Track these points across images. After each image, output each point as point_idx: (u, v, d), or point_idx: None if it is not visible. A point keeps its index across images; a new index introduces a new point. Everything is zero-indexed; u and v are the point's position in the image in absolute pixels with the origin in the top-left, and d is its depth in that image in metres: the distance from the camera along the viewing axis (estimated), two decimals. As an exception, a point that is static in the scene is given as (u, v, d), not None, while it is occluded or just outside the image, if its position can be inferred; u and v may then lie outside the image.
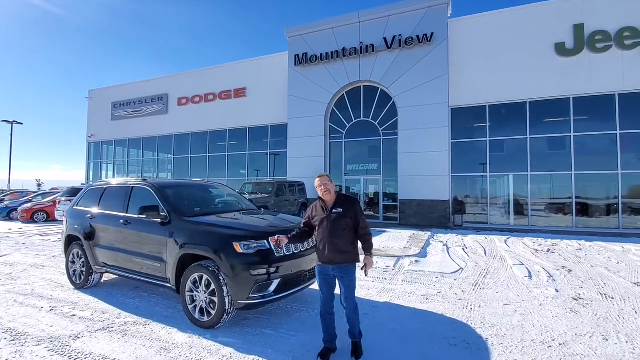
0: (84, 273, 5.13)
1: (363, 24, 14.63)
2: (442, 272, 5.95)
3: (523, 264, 6.54)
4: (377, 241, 8.99)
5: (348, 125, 15.35)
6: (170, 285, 4.07)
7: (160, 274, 4.16)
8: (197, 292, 3.78)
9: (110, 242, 4.79)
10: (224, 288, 3.58)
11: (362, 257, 3.11)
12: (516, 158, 12.91)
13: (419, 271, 6.03)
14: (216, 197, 5.26)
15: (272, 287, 3.66)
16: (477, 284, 5.30)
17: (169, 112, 20.04)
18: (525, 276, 5.71)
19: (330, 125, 15.64)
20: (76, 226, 5.28)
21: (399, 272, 5.98)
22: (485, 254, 7.53)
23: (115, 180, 5.34)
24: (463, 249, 7.95)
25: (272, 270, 3.66)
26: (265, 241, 3.74)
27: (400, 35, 13.88)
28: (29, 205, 15.80)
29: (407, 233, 10.61)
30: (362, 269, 3.07)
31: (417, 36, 13.58)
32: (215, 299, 3.63)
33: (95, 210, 5.13)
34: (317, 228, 3.14)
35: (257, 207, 5.48)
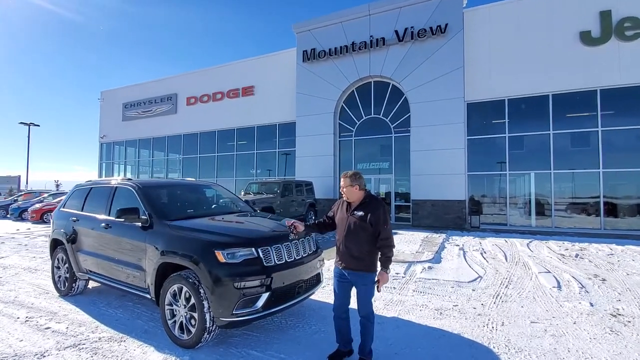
0: (67, 280, 4.78)
1: (373, 16, 14.04)
2: (459, 281, 5.36)
3: (550, 272, 5.88)
4: (387, 244, 8.43)
5: (358, 123, 14.79)
6: (150, 297, 3.65)
7: (140, 283, 3.75)
8: (177, 306, 3.34)
9: (92, 247, 4.43)
10: (205, 303, 3.13)
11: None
12: (538, 155, 12.09)
13: (433, 279, 5.46)
14: (208, 198, 4.84)
15: (260, 302, 3.19)
16: (498, 295, 4.70)
17: (178, 112, 19.90)
18: (554, 286, 5.07)
19: (339, 123, 15.11)
20: (61, 229, 4.96)
21: (410, 281, 5.42)
22: (506, 259, 6.88)
23: (101, 180, 4.98)
24: (481, 254, 7.31)
25: (260, 282, 3.18)
26: (253, 249, 3.27)
27: (412, 27, 13.22)
28: (39, 205, 15.87)
29: (420, 235, 10.00)
30: (374, 283, 2.78)
31: (430, 28, 12.90)
32: (196, 315, 3.18)
33: (79, 212, 4.79)
34: (337, 226, 2.98)
35: (253, 209, 5.03)
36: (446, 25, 12.69)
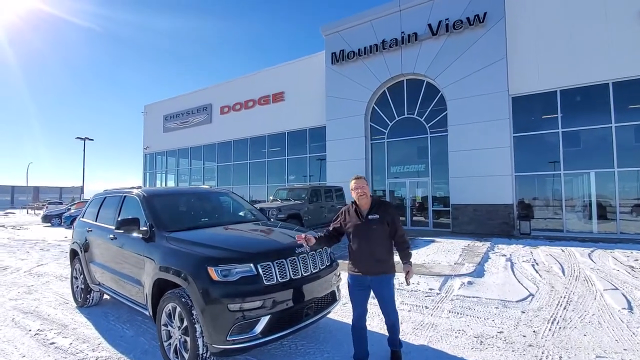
0: (83, 291, 4.71)
1: (404, 12, 13.34)
2: (505, 300, 4.57)
3: (618, 289, 4.89)
4: (422, 254, 7.69)
5: (390, 124, 14.07)
6: (148, 314, 3.38)
7: (140, 299, 3.50)
8: (172, 327, 3.02)
9: (102, 259, 4.29)
10: (197, 326, 2.76)
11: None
12: (598, 152, 10.62)
13: (473, 297, 4.72)
14: (217, 207, 4.54)
15: (259, 327, 2.76)
16: (554, 319, 3.88)
17: (213, 121, 20.40)
18: (624, 308, 4.15)
19: (371, 125, 14.49)
20: (77, 239, 4.92)
21: (446, 299, 4.72)
22: (563, 272, 5.89)
23: (114, 189, 4.88)
24: (533, 266, 6.35)
25: (259, 304, 2.76)
26: (252, 265, 2.86)
27: (447, 19, 12.34)
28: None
29: (460, 244, 9.09)
30: (405, 278, 2.88)
31: (467, 18, 11.94)
32: (189, 339, 2.83)
33: (92, 222, 4.71)
34: (350, 235, 2.92)
35: (267, 218, 4.66)
36: (485, 14, 11.67)
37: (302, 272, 3.13)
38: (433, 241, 9.63)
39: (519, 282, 5.37)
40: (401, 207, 13.93)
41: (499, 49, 11.46)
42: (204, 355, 2.76)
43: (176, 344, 2.96)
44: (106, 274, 4.14)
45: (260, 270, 2.86)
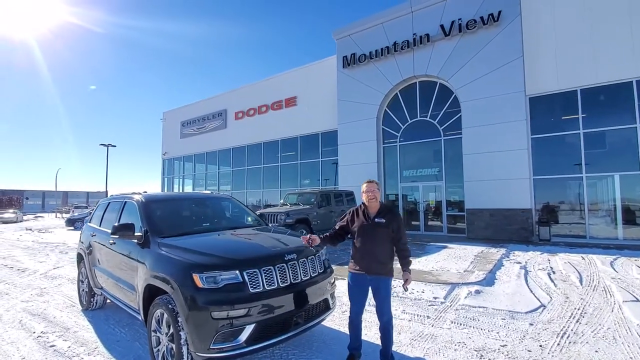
0: (87, 294, 4.81)
1: (416, 13, 13.16)
2: (513, 310, 4.33)
3: (638, 300, 4.55)
4: (432, 261, 7.46)
5: (403, 127, 13.85)
6: (141, 319, 3.39)
7: (134, 304, 3.51)
8: (160, 333, 3.01)
9: (102, 263, 4.37)
10: (181, 334, 2.74)
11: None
12: (622, 153, 10.08)
13: (479, 307, 4.50)
14: (215, 213, 4.52)
15: (244, 336, 2.70)
16: (565, 333, 3.64)
17: (228, 127, 20.72)
18: (647, 322, 3.84)
19: (383, 129, 14.32)
20: (83, 243, 5.03)
21: (450, 308, 4.53)
22: (580, 282, 5.55)
23: (118, 194, 4.97)
24: (548, 275, 6.03)
25: (243, 312, 2.70)
26: (238, 271, 2.82)
27: (459, 19, 12.08)
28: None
29: (474, 250, 8.77)
30: (403, 285, 3.02)
31: (481, 17, 11.64)
32: (174, 347, 2.81)
33: (97, 226, 4.81)
34: (355, 234, 3.05)
35: (265, 223, 4.62)
36: (499, 12, 11.35)
37: (291, 279, 3.06)
38: (445, 247, 9.35)
39: (531, 291, 5.10)
40: (414, 211, 13.65)
41: (515, 48, 11.09)
42: (190, 362, 2.73)
43: (164, 351, 2.95)
44: (106, 278, 4.20)
45: (246, 277, 2.81)
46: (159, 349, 3.03)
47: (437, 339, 3.59)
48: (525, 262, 7.10)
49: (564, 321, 3.95)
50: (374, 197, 3.04)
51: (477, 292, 5.07)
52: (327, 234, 3.23)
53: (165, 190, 24.63)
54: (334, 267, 3.79)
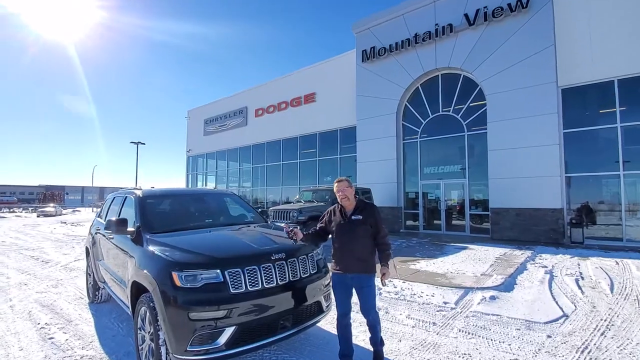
0: (92, 287, 4.88)
1: (438, 2, 12.56)
2: (531, 320, 3.94)
3: (685, 314, 4.01)
4: (448, 262, 7.06)
5: (424, 122, 13.32)
6: (130, 315, 3.35)
7: (126, 300, 3.48)
8: (145, 332, 2.93)
9: (103, 257, 4.40)
10: (160, 334, 2.64)
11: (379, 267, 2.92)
12: (670, 149, 9.12)
13: (492, 315, 4.14)
14: (212, 209, 4.43)
15: (223, 339, 2.56)
16: (586, 347, 3.24)
17: (248, 124, 20.89)
18: (689, 339, 3.35)
19: (403, 124, 13.84)
20: (90, 237, 5.12)
21: (460, 315, 4.20)
22: (611, 289, 5.02)
23: (122, 190, 5.00)
24: (576, 280, 5.50)
25: (222, 313, 2.57)
26: (219, 270, 2.68)
27: (485, 7, 11.40)
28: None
29: (496, 252, 8.25)
30: (380, 279, 2.91)
31: (509, 4, 10.91)
32: (154, 347, 2.72)
33: (102, 221, 4.85)
34: (333, 234, 3.03)
35: (265, 220, 4.48)
36: (529, -2, 10.59)
37: (278, 280, 2.89)
38: (465, 248, 8.86)
39: (554, 299, 4.65)
40: (435, 210, 13.13)
41: (546, 36, 10.32)
42: (169, 364, 2.62)
43: (147, 350, 2.88)
44: (106, 272, 4.23)
45: (227, 277, 2.67)
46: (142, 347, 2.96)
47: (440, 349, 3.30)
48: (552, 266, 6.55)
49: (587, 334, 3.53)
50: (345, 197, 2.99)
51: (493, 298, 4.69)
52: (310, 231, 3.21)
53: (190, 187, 25.26)
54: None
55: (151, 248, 3.09)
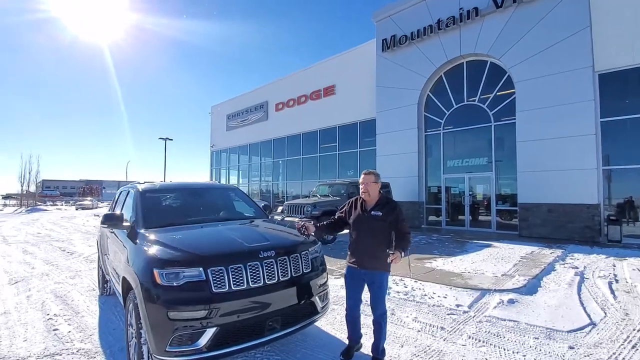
0: (102, 280, 4.97)
1: (463, -15, 11.84)
2: (552, 328, 3.56)
3: None
4: (467, 261, 6.66)
5: (447, 113, 12.70)
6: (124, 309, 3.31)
7: (119, 294, 3.46)
8: (132, 328, 2.88)
9: (107, 251, 4.43)
10: (142, 332, 2.57)
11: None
12: None
13: (509, 321, 3.78)
14: (211, 204, 4.32)
15: (203, 340, 2.44)
16: (617, 363, 2.85)
17: (269, 118, 20.93)
18: None
19: (425, 115, 13.28)
20: (100, 231, 5.20)
21: (472, 319, 3.87)
22: (653, 296, 4.48)
23: (129, 184, 5.03)
24: (609, 284, 4.98)
25: (203, 313, 2.44)
26: (201, 268, 2.56)
27: (514, -13, 10.60)
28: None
29: (523, 250, 7.71)
30: (387, 282, 2.92)
31: (541, -17, 10.08)
32: (137, 344, 2.65)
33: (109, 215, 4.91)
34: (351, 227, 2.97)
35: (266, 215, 4.34)
36: (563, -25, 9.71)
37: (266, 279, 2.73)
38: (488, 246, 8.36)
39: (582, 304, 4.20)
40: (459, 205, 12.54)
41: (581, 17, 9.44)
42: (149, 362, 2.54)
43: (134, 346, 2.82)
44: (109, 266, 4.26)
45: (210, 276, 2.54)
46: (130, 345, 2.91)
47: (444, 357, 3.03)
48: (584, 267, 6.00)
49: (616, 346, 3.12)
50: (366, 191, 2.89)
51: (511, 301, 4.31)
52: (325, 222, 3.17)
53: (214, 181, 25.78)
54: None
55: (140, 243, 3.02)
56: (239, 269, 2.65)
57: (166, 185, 4.44)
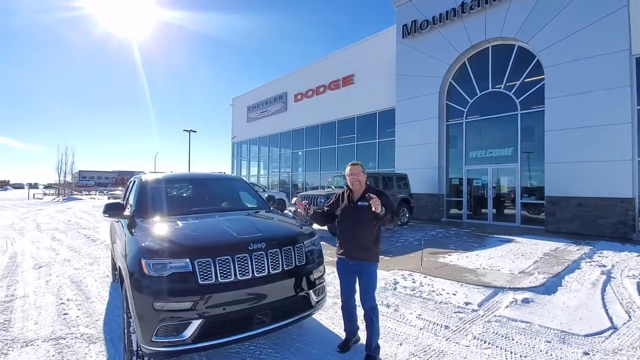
0: (113, 267, 5.12)
1: (489, -35, 11.14)
2: (568, 331, 3.30)
3: None
4: (483, 257, 6.35)
5: (471, 101, 12.13)
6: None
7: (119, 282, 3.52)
8: (127, 316, 2.91)
9: (114, 239, 4.53)
10: (131, 321, 2.58)
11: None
12: None
13: (521, 321, 3.54)
14: (212, 195, 4.29)
15: (189, 332, 2.42)
16: (638, 374, 2.59)
17: (288, 109, 20.88)
18: None
19: (447, 104, 12.75)
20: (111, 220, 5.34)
21: (480, 318, 3.66)
22: (688, 300, 4.06)
23: (137, 174, 5.11)
24: (638, 285, 4.57)
25: (188, 305, 2.42)
26: (188, 260, 2.52)
27: (545, -36, 9.84)
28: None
29: (547, 246, 7.28)
30: (376, 273, 2.91)
31: (575, -42, 9.29)
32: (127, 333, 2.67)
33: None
34: (339, 218, 2.99)
35: (268, 206, 4.27)
36: (601, -52, 8.89)
37: (255, 272, 2.67)
38: (510, 241, 7.96)
39: (604, 306, 3.87)
40: (482, 198, 12.03)
41: (620, -6, 8.63)
42: (138, 352, 2.56)
43: (127, 335, 2.85)
44: (115, 254, 4.36)
45: (196, 267, 2.51)
46: (125, 332, 2.95)
47: (444, 358, 2.87)
48: (612, 266, 5.56)
49: (638, 353, 2.83)
50: (357, 180, 2.91)
51: (526, 301, 4.04)
52: (321, 210, 3.23)
53: (234, 172, 26.19)
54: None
55: (135, 233, 3.03)
56: (227, 260, 2.59)
57: (169, 175, 4.45)
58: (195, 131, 36.46)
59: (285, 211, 11.31)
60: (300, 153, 20.33)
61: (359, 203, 2.87)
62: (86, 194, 49.55)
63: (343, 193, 3.07)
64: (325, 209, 3.18)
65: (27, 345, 3.22)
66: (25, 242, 8.81)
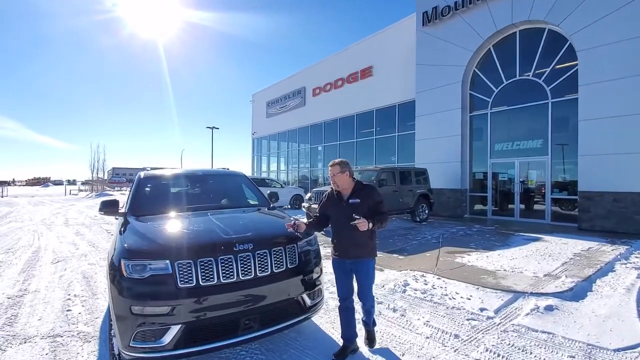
0: (121, 264, 5.14)
1: (516, -57, 10.38)
2: (595, 344, 2.92)
3: None
4: (505, 257, 5.91)
5: (496, 91, 11.43)
6: (116, 299, 3.31)
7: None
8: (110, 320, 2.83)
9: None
10: (112, 324, 2.48)
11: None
12: None
13: (542, 332, 3.18)
14: (210, 192, 4.18)
15: (168, 337, 2.29)
16: (680, 401, 2.20)
17: (306, 104, 20.70)
18: None
19: (470, 94, 12.10)
20: (119, 217, 5.36)
21: (496, 327, 3.32)
22: None
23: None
24: (685, 293, 4.04)
25: (166, 309, 2.28)
26: (168, 261, 2.38)
27: (579, -62, 9.02)
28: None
29: (577, 245, 6.71)
30: (374, 269, 2.89)
31: None
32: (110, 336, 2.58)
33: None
34: (332, 219, 2.92)
35: (269, 202, 4.10)
36: None
37: (240, 274, 2.49)
38: (537, 239, 7.41)
39: (639, 315, 3.43)
40: (508, 193, 11.36)
41: (669, -36, 7.75)
42: (120, 356, 2.46)
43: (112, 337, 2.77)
44: (117, 251, 4.35)
45: (176, 269, 2.37)
46: (109, 335, 2.87)
47: (449, 372, 2.59)
48: (653, 270, 5.00)
49: (683, 379, 2.43)
50: (334, 183, 2.85)
51: (549, 308, 3.65)
52: (313, 219, 3.03)
53: (255, 168, 26.38)
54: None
55: (123, 232, 2.95)
56: (209, 262, 2.44)
57: (168, 172, 4.37)
58: (218, 128, 37.12)
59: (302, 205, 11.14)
60: (320, 148, 20.12)
61: (350, 201, 2.80)
62: (117, 190, 51.78)
63: (332, 192, 2.95)
64: (319, 212, 3.04)
65: (25, 342, 3.23)
66: (51, 236, 9.17)
